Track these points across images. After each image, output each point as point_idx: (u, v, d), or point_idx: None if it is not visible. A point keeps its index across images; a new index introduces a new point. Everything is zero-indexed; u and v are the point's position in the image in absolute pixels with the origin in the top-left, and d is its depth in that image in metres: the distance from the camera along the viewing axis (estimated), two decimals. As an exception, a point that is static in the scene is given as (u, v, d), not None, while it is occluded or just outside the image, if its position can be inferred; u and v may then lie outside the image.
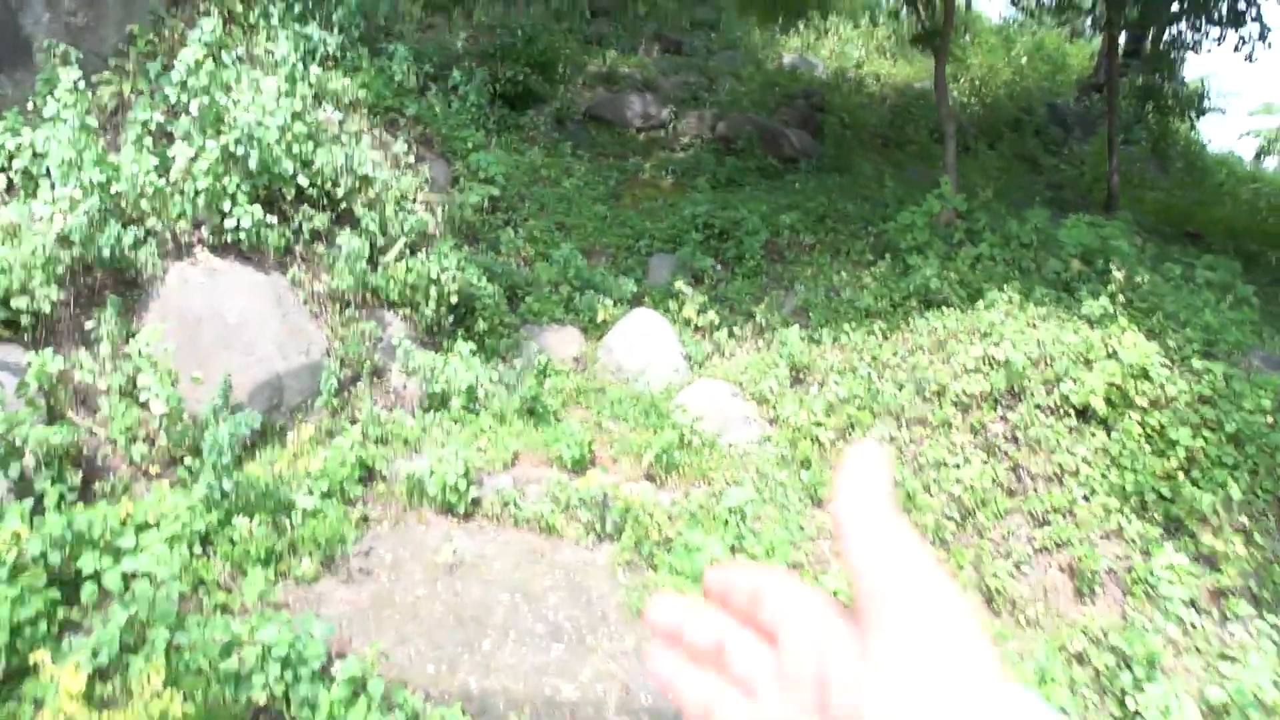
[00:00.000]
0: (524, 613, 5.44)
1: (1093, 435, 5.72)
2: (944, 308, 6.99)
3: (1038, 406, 5.93)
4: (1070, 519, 5.55)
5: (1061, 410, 5.86)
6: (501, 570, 5.79)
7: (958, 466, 5.91)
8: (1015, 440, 5.90)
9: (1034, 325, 6.40)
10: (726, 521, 5.88)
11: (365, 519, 6.06)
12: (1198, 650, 5.09)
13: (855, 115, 13.96)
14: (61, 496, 4.89)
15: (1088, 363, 5.87)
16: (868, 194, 9.82)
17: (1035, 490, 5.73)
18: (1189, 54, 15.07)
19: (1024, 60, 17.94)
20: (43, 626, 4.36)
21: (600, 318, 8.19)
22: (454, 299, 7.39)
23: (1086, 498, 5.59)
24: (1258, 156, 23.17)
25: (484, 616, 5.37)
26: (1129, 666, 4.97)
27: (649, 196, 10.72)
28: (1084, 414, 5.82)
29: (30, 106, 6.71)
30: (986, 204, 8.20)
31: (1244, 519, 5.34)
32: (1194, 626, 5.17)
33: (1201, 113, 16.75)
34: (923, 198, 8.79)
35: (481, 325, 7.59)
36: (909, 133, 14.34)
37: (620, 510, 6.05)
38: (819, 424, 6.56)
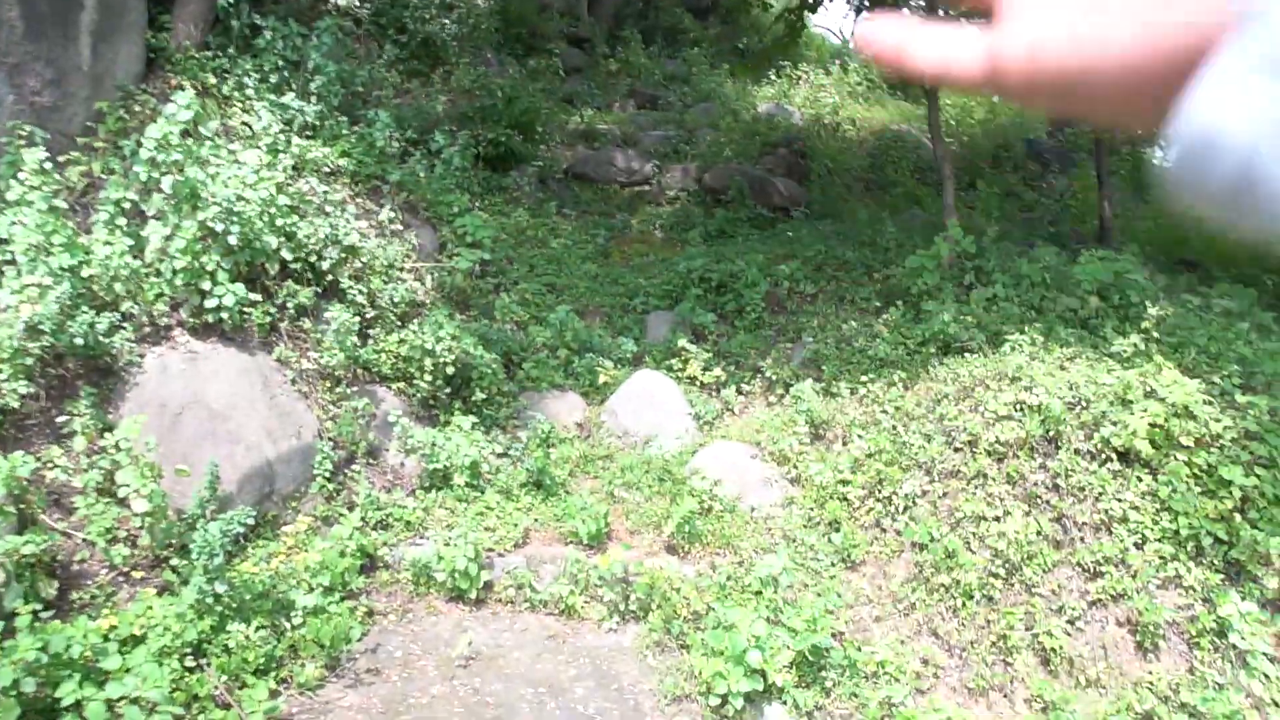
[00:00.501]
0: (550, 709, 5.00)
1: (1138, 480, 5.43)
2: (965, 354, 6.72)
3: (1077, 452, 5.63)
4: (1124, 569, 5.22)
5: (1103, 455, 5.57)
6: (522, 661, 5.36)
7: (998, 519, 5.58)
8: (1057, 489, 5.59)
9: (1064, 367, 6.13)
10: (759, 592, 5.50)
11: (370, 613, 5.62)
12: (1275, 704, 4.75)
13: (837, 160, 13.88)
14: (35, 615, 4.42)
15: (1126, 404, 5.60)
16: (864, 239, 9.63)
17: (1083, 540, 5.40)
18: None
19: (995, 98, 18.05)
20: (17, 768, 3.89)
21: (601, 380, 7.86)
22: (450, 370, 7.04)
23: (1138, 545, 5.28)
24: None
25: (508, 716, 4.93)
26: (1208, 729, 4.61)
27: (639, 253, 10.48)
28: (1126, 457, 5.53)
29: (-6, 191, 6.36)
30: (994, 243, 8.00)
31: (1309, 560, 5.04)
32: (1266, 677, 4.83)
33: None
34: (923, 241, 8.59)
35: (479, 395, 7.23)
36: (892, 175, 14.29)
37: (644, 587, 5.66)
38: (845, 482, 6.22)
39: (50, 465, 5.62)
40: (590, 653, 5.46)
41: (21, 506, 5.21)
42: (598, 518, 6.15)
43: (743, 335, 8.44)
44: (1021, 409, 5.89)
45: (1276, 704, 4.72)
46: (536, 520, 6.32)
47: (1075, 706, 4.78)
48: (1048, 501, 5.57)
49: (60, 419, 5.83)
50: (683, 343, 8.01)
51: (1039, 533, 5.46)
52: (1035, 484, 5.64)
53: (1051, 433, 5.74)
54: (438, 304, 7.82)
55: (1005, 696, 5.00)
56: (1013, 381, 6.07)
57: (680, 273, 9.25)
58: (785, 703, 4.84)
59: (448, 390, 7.13)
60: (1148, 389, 5.57)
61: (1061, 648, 5.04)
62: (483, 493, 6.47)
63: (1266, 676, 4.75)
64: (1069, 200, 14.30)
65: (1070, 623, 5.15)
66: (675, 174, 12.71)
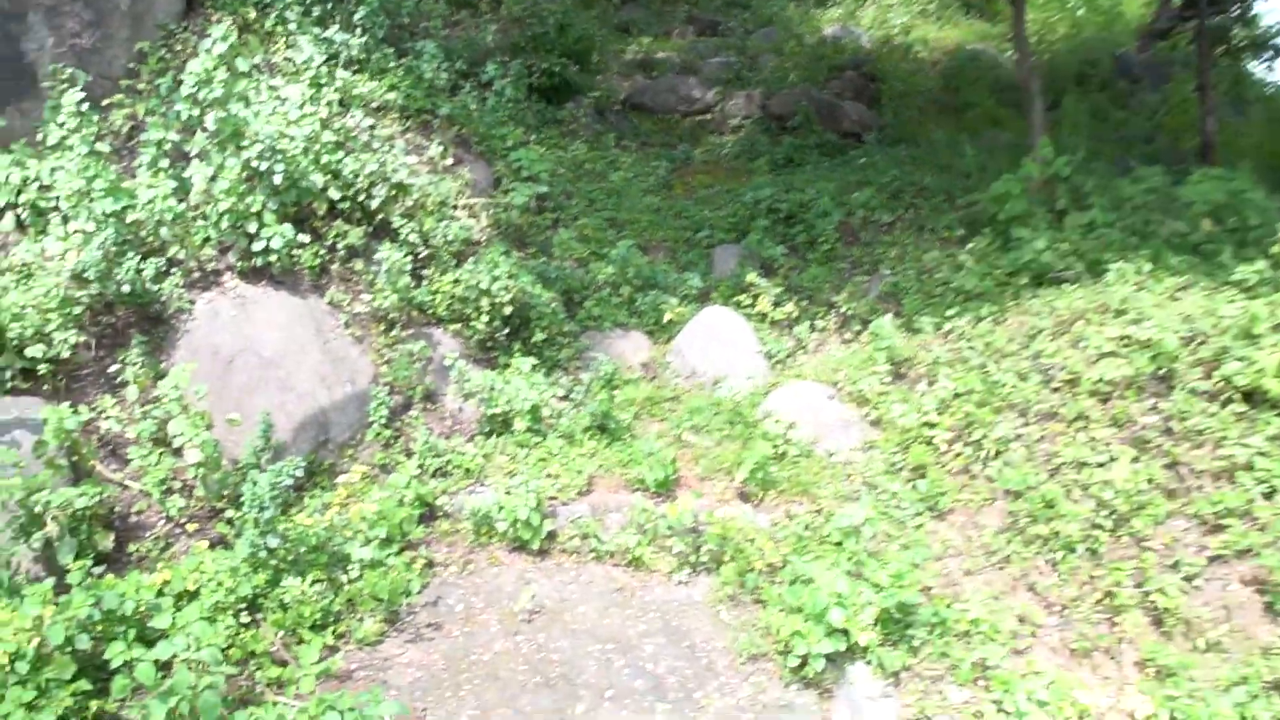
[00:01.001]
0: (618, 666, 4.75)
1: (1266, 423, 4.88)
2: (1061, 284, 6.17)
3: (1193, 391, 5.10)
4: (1250, 522, 4.71)
5: (1224, 395, 5.03)
6: (588, 616, 5.11)
7: (1103, 466, 5.11)
8: (1170, 432, 5.08)
9: (1175, 298, 5.56)
10: (839, 544, 5.14)
11: (430, 564, 5.42)
12: None
13: (909, 82, 13.09)
14: (88, 571, 4.28)
15: (1251, 338, 5.03)
16: (942, 163, 9.00)
17: (1201, 490, 4.90)
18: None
19: (1080, 12, 16.87)
20: (70, 729, 3.77)
21: (666, 318, 7.48)
22: (508, 310, 6.73)
23: (1266, 496, 4.75)
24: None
25: (574, 674, 4.69)
26: (1348, 698, 4.15)
27: (703, 184, 10.00)
28: (1252, 398, 4.98)
29: (39, 137, 6.16)
30: (1085, 164, 7.33)
31: None
32: None
33: (1277, 53, 15.65)
34: (1007, 164, 7.93)
35: (539, 336, 6.92)
36: (968, 96, 13.41)
37: (715, 538, 5.34)
38: (931, 424, 5.79)
39: (104, 415, 5.49)
40: (660, 607, 5.19)
41: (75, 459, 5.08)
42: (665, 463, 5.82)
43: (815, 268, 7.96)
44: (1128, 344, 5.36)
45: None
46: (601, 466, 6.03)
47: (1194, 672, 4.35)
48: (1160, 446, 5.07)
49: (112, 368, 5.69)
50: (751, 277, 7.57)
51: (1150, 481, 4.97)
52: (1145, 427, 5.14)
53: (1163, 370, 5.21)
54: (493, 241, 7.49)
55: (1112, 659, 4.59)
56: (1118, 314, 5.53)
57: (747, 203, 8.77)
58: (870, 663, 4.50)
59: (506, 331, 6.83)
60: (1278, 321, 4.99)
61: (1177, 607, 4.59)
62: (544, 438, 6.19)
63: None
64: (1163, 118, 13.28)
65: (1187, 580, 4.68)
66: (738, 101, 12.09)
